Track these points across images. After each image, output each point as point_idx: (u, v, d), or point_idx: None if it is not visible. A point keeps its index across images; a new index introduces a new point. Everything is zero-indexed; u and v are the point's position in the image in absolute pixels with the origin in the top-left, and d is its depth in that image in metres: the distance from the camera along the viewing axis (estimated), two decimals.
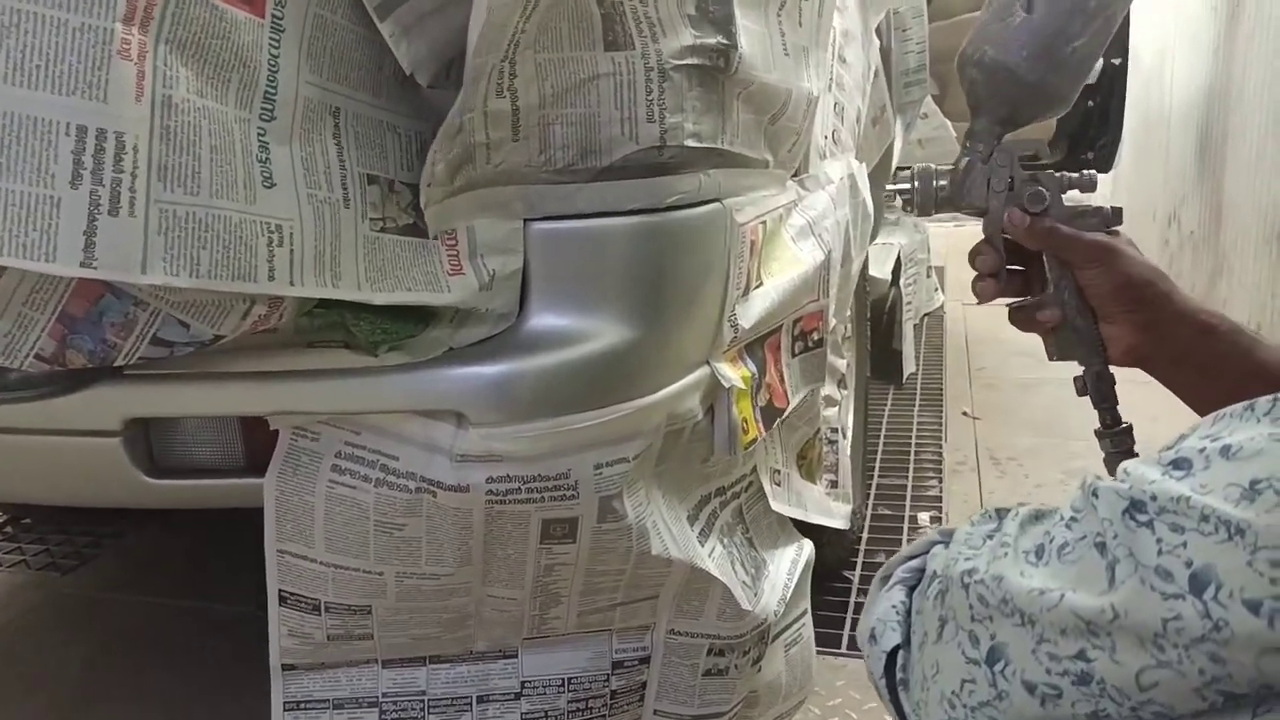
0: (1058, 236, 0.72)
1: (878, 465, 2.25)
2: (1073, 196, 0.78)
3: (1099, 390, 0.75)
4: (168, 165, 0.56)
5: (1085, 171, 0.75)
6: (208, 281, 0.58)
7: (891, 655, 0.52)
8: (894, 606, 0.54)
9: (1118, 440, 0.75)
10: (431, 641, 0.91)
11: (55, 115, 0.52)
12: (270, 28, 0.61)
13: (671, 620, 0.98)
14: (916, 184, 0.83)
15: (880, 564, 1.70)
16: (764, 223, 0.96)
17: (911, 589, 0.55)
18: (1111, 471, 0.60)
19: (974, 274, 0.80)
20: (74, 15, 0.51)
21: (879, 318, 3.02)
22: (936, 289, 3.66)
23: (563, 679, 0.96)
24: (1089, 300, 0.73)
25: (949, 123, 2.63)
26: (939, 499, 2.05)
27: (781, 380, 1.00)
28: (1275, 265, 2.97)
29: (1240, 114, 3.28)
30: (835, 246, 1.16)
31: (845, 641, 1.50)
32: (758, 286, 0.95)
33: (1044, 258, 0.75)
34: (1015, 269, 0.78)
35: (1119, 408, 0.75)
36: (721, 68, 0.80)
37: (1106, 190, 5.66)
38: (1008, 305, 0.78)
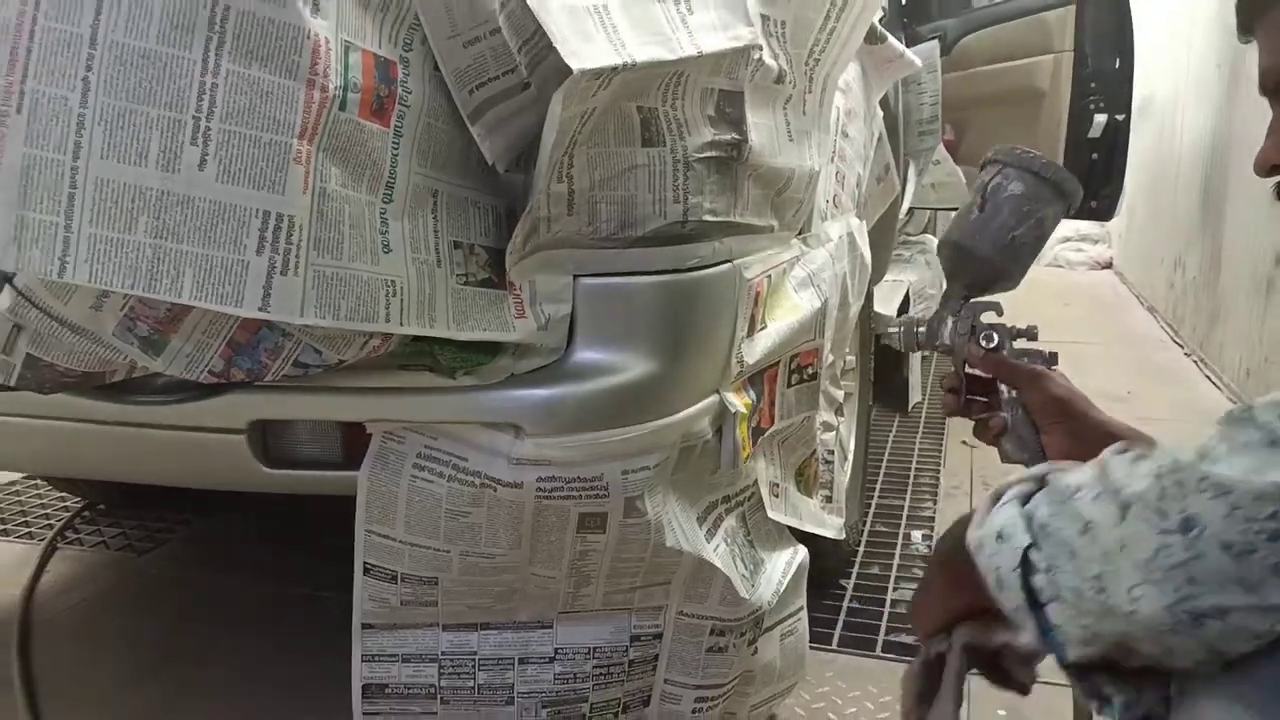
0: (1004, 364, 0.94)
1: (878, 486, 2.43)
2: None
3: None
4: (321, 238, 0.76)
5: (1031, 325, 0.96)
6: (344, 322, 0.79)
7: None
8: (1014, 519, 0.62)
9: None
10: (484, 610, 1.11)
11: (250, 204, 0.72)
12: (393, 134, 0.82)
13: (681, 603, 1.17)
14: (902, 330, 1.03)
15: (873, 575, 1.89)
16: (769, 276, 1.16)
17: (1025, 503, 0.64)
18: None
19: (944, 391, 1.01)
20: (266, 134, 0.72)
21: (886, 347, 3.20)
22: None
23: (590, 648, 1.15)
24: (1029, 414, 0.93)
25: (959, 169, 2.81)
26: (932, 519, 2.23)
27: (772, 405, 1.20)
28: (1264, 312, 3.13)
29: (1239, 167, 3.45)
30: (833, 295, 1.35)
31: (836, 639, 1.69)
32: (762, 329, 1.15)
33: (997, 383, 0.96)
34: (976, 397, 0.98)
35: None
36: (735, 157, 1.00)
37: (1120, 230, 5.80)
38: (973, 421, 0.99)
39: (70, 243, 0.69)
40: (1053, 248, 6.27)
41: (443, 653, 1.14)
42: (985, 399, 0.98)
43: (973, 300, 0.98)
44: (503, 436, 0.97)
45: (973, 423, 0.99)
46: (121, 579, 2.01)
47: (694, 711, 1.22)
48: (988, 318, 0.98)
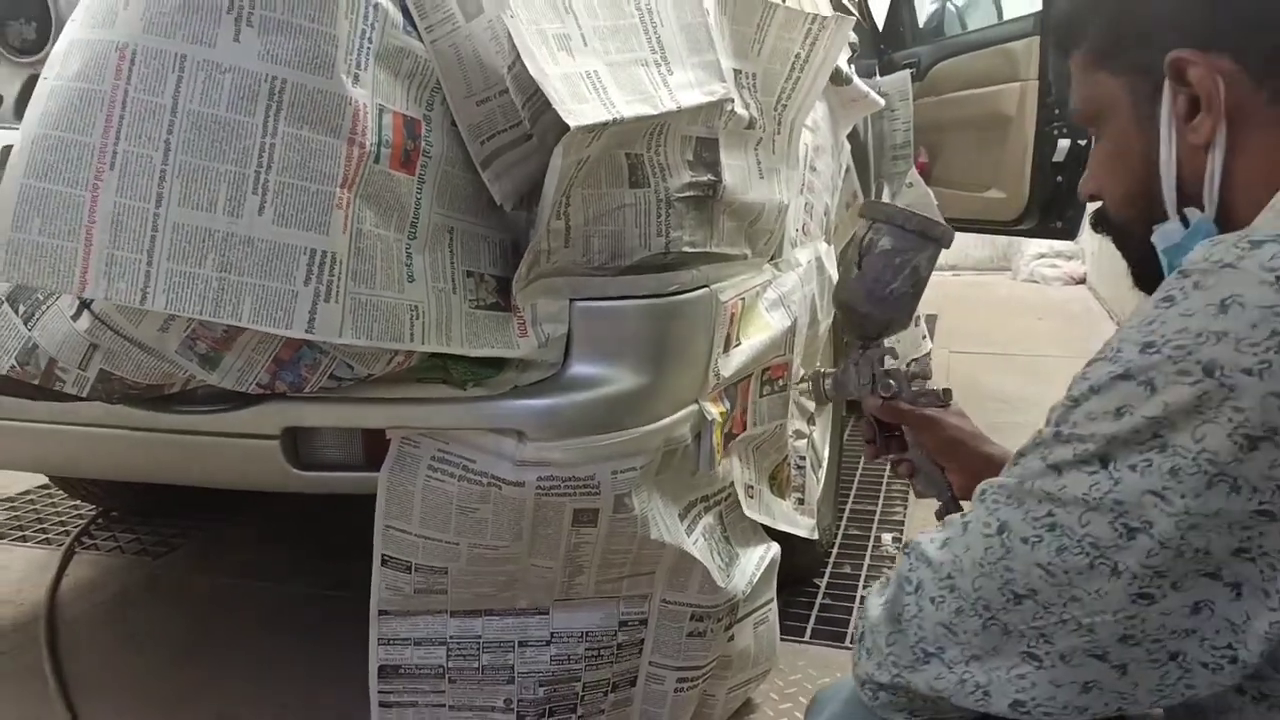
0: (899, 413, 1.01)
1: (852, 492, 2.57)
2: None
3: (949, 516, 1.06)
4: (357, 271, 0.90)
5: (925, 366, 1.05)
6: (376, 342, 0.92)
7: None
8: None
9: None
10: (488, 598, 1.24)
11: (300, 243, 0.86)
12: (418, 181, 0.95)
13: (664, 592, 1.30)
14: (812, 383, 1.12)
15: (845, 574, 2.03)
16: (743, 298, 1.30)
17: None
18: None
19: (863, 429, 1.11)
20: (314, 184, 0.86)
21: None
22: (924, 336, 3.97)
23: (582, 632, 1.29)
24: (930, 455, 1.01)
25: (930, 191, 2.97)
26: (902, 523, 2.37)
27: (744, 413, 1.34)
28: None
29: None
30: (802, 314, 1.49)
31: (809, 632, 1.82)
32: (736, 345, 1.29)
33: (903, 427, 1.05)
34: (891, 436, 1.07)
35: None
36: (711, 195, 1.15)
37: (1092, 247, 5.98)
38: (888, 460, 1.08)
39: (151, 276, 0.82)
40: (1029, 263, 6.45)
41: (450, 637, 1.26)
42: (899, 441, 1.06)
43: (869, 349, 1.04)
44: (507, 441, 1.10)
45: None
46: (138, 581, 2.14)
47: (676, 691, 1.35)
48: (889, 363, 1.04)
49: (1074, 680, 0.60)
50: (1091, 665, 0.59)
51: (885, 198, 2.76)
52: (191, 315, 0.84)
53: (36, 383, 0.98)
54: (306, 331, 0.87)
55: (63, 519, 2.50)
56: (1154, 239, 0.72)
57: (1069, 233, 3.23)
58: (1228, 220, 0.68)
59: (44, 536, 2.39)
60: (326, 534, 2.40)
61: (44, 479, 2.67)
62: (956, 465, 0.98)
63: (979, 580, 0.63)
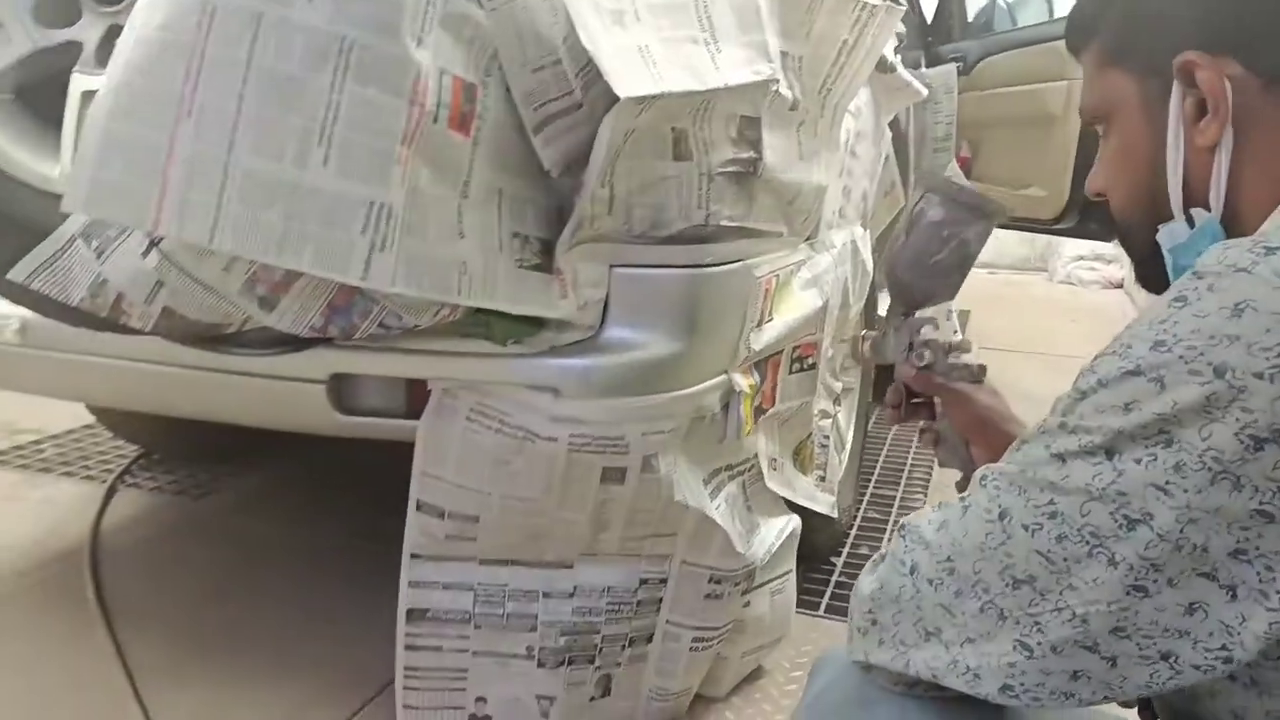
0: (932, 385, 1.00)
1: (874, 477, 2.60)
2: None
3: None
4: (411, 224, 0.95)
5: (965, 340, 1.03)
6: (425, 293, 0.97)
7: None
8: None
9: None
10: (515, 548, 1.29)
11: (360, 195, 0.91)
12: (472, 143, 1.00)
13: (685, 553, 1.35)
14: (851, 343, 1.10)
15: (862, 554, 2.07)
16: (777, 275, 1.33)
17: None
18: None
19: (888, 397, 1.09)
20: (376, 140, 0.91)
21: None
22: (955, 331, 3.99)
23: (604, 587, 1.33)
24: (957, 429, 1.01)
25: (972, 185, 2.97)
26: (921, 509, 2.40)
27: (774, 389, 1.38)
28: None
29: None
30: (834, 295, 1.53)
31: (824, 607, 1.86)
32: (768, 321, 1.33)
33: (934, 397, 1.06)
34: (917, 402, 1.07)
35: None
36: (751, 172, 1.18)
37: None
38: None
39: (219, 219, 0.87)
40: (1066, 265, 6.40)
41: (478, 583, 1.32)
42: (927, 409, 1.06)
43: (912, 316, 1.03)
44: (543, 397, 1.15)
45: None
46: (178, 520, 2.22)
47: (691, 649, 1.40)
48: (927, 332, 1.02)
49: (1064, 669, 0.62)
50: (1081, 656, 0.61)
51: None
52: (256, 258, 0.89)
53: (104, 315, 1.04)
54: (361, 279, 0.92)
55: (105, 457, 2.60)
56: (1159, 238, 0.74)
57: (1107, 234, 3.22)
58: (1233, 220, 0.69)
59: (88, 473, 2.48)
60: (358, 486, 2.47)
61: (89, 418, 2.77)
62: (983, 442, 0.99)
63: (979, 564, 0.65)
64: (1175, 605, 0.58)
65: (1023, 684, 0.63)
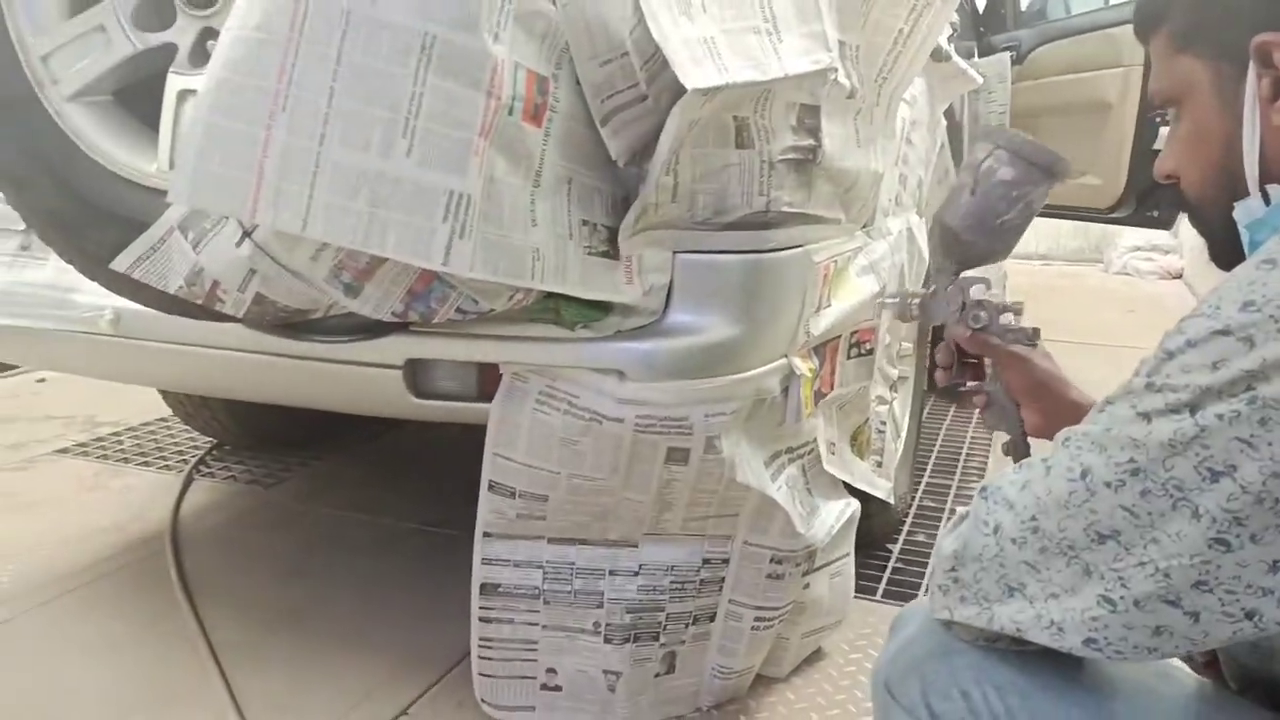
0: (987, 346, 0.99)
1: (929, 466, 2.61)
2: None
3: (1018, 453, 1.00)
4: (488, 213, 0.99)
5: (1018, 301, 1.02)
6: (501, 278, 1.01)
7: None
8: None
9: None
10: (582, 527, 1.34)
11: (441, 184, 0.95)
12: (544, 134, 1.04)
13: (746, 534, 1.38)
14: (897, 300, 1.10)
15: (919, 542, 2.08)
16: (835, 261, 1.36)
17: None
18: None
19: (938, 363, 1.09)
20: (455, 132, 0.95)
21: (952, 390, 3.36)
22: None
23: (668, 565, 1.37)
24: (1009, 391, 1.00)
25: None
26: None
27: (833, 373, 1.40)
28: None
29: None
30: (890, 281, 1.55)
31: (881, 592, 1.88)
32: (826, 306, 1.35)
33: (984, 359, 1.03)
34: (971, 362, 1.06)
35: None
36: (811, 160, 1.21)
37: (1192, 241, 5.81)
38: (959, 389, 1.07)
39: (311, 208, 0.93)
40: (1122, 255, 6.30)
41: (546, 561, 1.37)
42: (977, 369, 1.05)
43: (963, 275, 1.01)
44: (609, 380, 1.19)
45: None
46: (251, 508, 2.30)
47: (753, 629, 1.43)
48: (978, 292, 1.01)
49: (1146, 624, 0.64)
50: (1164, 611, 0.63)
51: None
52: (343, 244, 0.95)
53: (200, 302, 1.10)
54: (442, 264, 0.97)
55: (180, 448, 2.70)
56: (1235, 214, 0.75)
57: (1166, 222, 3.18)
58: None
59: (164, 463, 2.58)
60: (418, 475, 2.54)
61: (163, 411, 2.87)
62: (1038, 407, 0.98)
63: (1064, 521, 0.67)
64: (1259, 562, 0.60)
65: (1106, 638, 0.65)
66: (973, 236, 0.98)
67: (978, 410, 1.04)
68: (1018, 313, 1.00)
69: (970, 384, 1.05)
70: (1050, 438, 0.96)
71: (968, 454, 2.73)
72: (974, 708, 0.76)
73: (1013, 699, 0.74)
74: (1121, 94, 3.09)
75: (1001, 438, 1.04)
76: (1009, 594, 0.71)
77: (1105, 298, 5.51)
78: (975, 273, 1.01)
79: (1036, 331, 0.99)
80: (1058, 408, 0.97)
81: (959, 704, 0.76)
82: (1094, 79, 3.18)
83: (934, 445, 2.77)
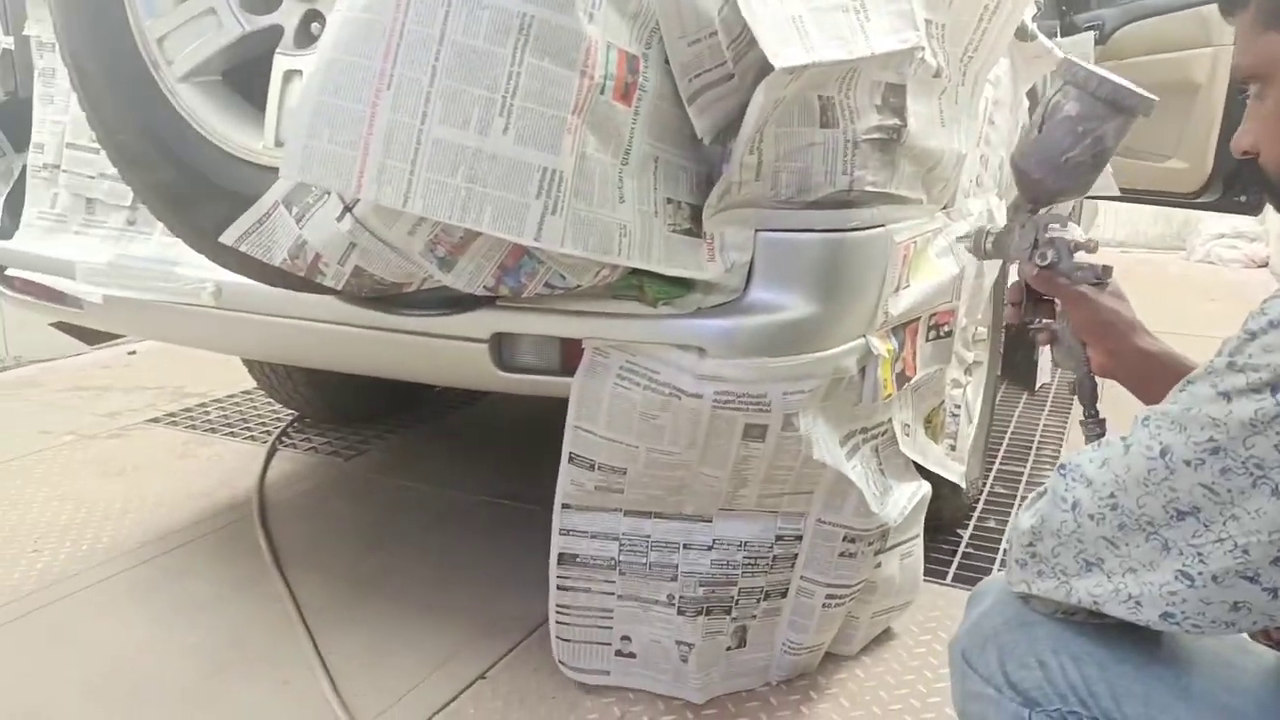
0: (1053, 285, 0.98)
1: (1001, 453, 2.58)
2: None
3: (1083, 391, 0.99)
4: (578, 189, 1.02)
5: (1091, 239, 1.00)
6: (590, 254, 1.04)
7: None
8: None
9: (1092, 427, 0.97)
10: (658, 501, 1.37)
11: (535, 161, 0.98)
12: (633, 113, 1.07)
13: (820, 512, 1.40)
14: (973, 237, 1.08)
15: (989, 528, 2.07)
16: (915, 242, 1.36)
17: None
18: None
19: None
20: (550, 110, 0.98)
21: (1021, 331, 3.30)
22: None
23: (741, 541, 1.40)
24: (1076, 331, 0.99)
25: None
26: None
27: (914, 356, 1.40)
28: None
29: None
30: (969, 263, 1.54)
31: (951, 576, 1.88)
32: (905, 287, 1.35)
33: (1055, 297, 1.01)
34: (1042, 299, 1.04)
35: (1098, 405, 0.99)
36: (895, 139, 1.21)
37: (1277, 231, 5.60)
38: (1028, 326, 1.07)
39: (412, 183, 0.96)
40: (1205, 243, 6.10)
41: (622, 533, 1.40)
42: (1047, 307, 1.03)
43: (1040, 213, 0.99)
44: (689, 356, 1.21)
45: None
46: (332, 478, 2.38)
47: (824, 606, 1.45)
48: (1054, 230, 0.99)
49: (1224, 599, 0.65)
50: (1242, 586, 0.64)
51: None
52: (442, 219, 0.98)
53: (302, 274, 1.15)
54: (535, 240, 1.00)
55: (263, 419, 2.80)
56: None
57: (1253, 208, 3.08)
58: None
59: (249, 434, 2.68)
60: (491, 449, 2.60)
61: (247, 384, 2.98)
62: (1103, 347, 0.97)
63: (1143, 498, 0.68)
64: None
65: (1183, 612, 0.66)
66: (1040, 174, 0.96)
67: (1050, 349, 1.03)
68: (1090, 250, 0.98)
69: (1040, 321, 1.04)
70: (1118, 379, 0.98)
71: (1040, 441, 2.70)
72: (1051, 676, 0.77)
73: (1090, 669, 0.75)
74: (1210, 75, 2.99)
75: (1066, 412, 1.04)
76: (1087, 568, 0.72)
77: (1186, 286, 5.35)
78: (1056, 209, 0.99)
79: (1107, 270, 0.98)
80: (1122, 350, 0.96)
81: (1036, 673, 0.77)
82: (1182, 59, 3.09)
83: (1006, 432, 2.74)
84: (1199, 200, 3.22)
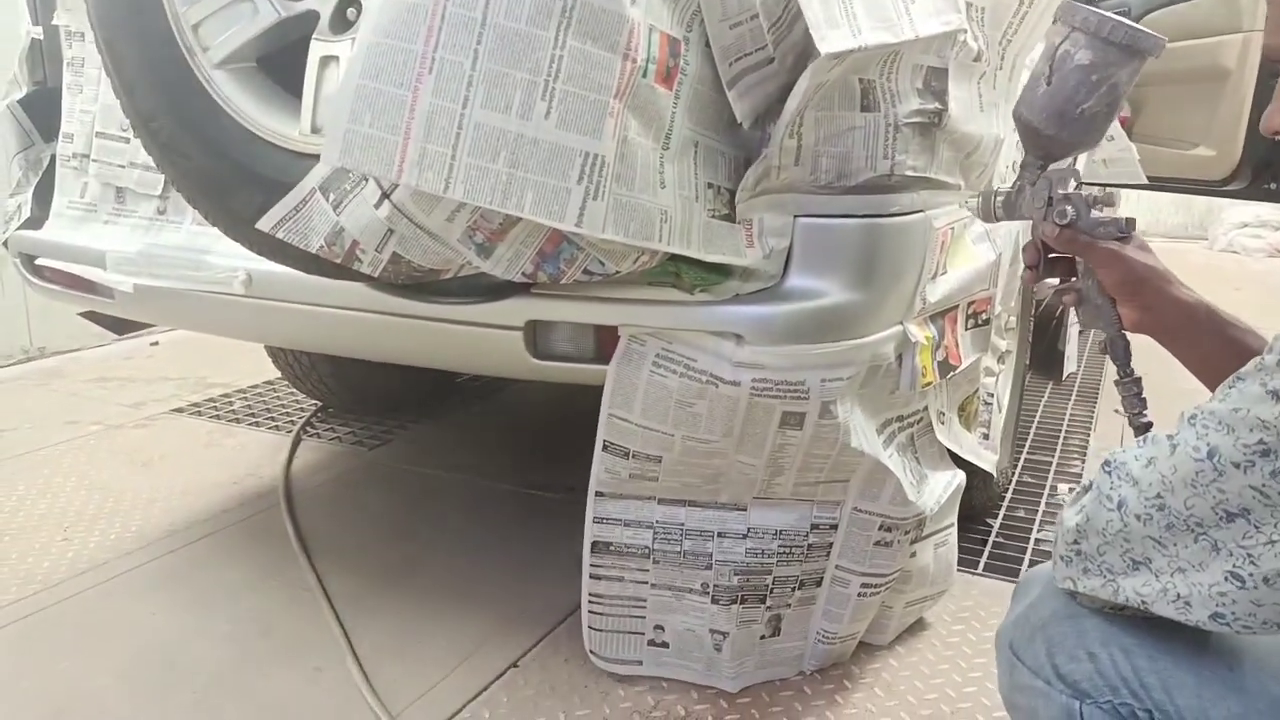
0: (1076, 243, 0.93)
1: (1028, 443, 2.56)
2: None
3: (1115, 351, 0.94)
4: (620, 174, 1.01)
5: (1109, 192, 0.97)
6: (631, 239, 1.03)
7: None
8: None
9: (1129, 386, 0.92)
10: (693, 489, 1.36)
11: (576, 145, 0.97)
12: (674, 97, 1.05)
13: (856, 500, 1.39)
14: (980, 199, 1.04)
15: (1019, 517, 2.05)
16: (953, 228, 1.34)
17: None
18: (1130, 410, 0.90)
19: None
20: (592, 93, 0.97)
21: (1048, 319, 3.27)
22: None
23: (776, 530, 1.39)
24: (1104, 288, 0.93)
25: (1133, 145, 2.85)
26: (1079, 476, 2.36)
27: (957, 345, 1.39)
28: None
29: None
30: (1005, 250, 1.52)
31: (982, 565, 1.87)
32: (943, 274, 1.34)
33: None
34: (1060, 258, 0.98)
35: (1132, 363, 0.94)
36: (935, 123, 1.20)
37: None
38: (1051, 288, 1.01)
39: (453, 168, 0.95)
40: (1228, 232, 6.05)
41: (657, 521, 1.39)
42: (1066, 265, 0.98)
43: (1050, 169, 0.95)
44: (727, 343, 1.20)
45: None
46: (357, 468, 2.38)
47: (859, 595, 1.44)
48: (1070, 185, 0.94)
49: (1275, 601, 0.64)
50: None
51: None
52: (483, 205, 0.97)
53: (339, 262, 1.14)
54: (576, 225, 0.99)
55: (287, 409, 2.81)
56: None
57: None
58: None
59: (273, 423, 2.69)
60: (516, 439, 2.60)
61: (271, 374, 2.99)
62: (1138, 303, 0.91)
63: (1191, 499, 0.67)
64: None
65: (1233, 613, 0.65)
66: (1054, 129, 0.90)
67: (1075, 310, 0.98)
68: (1110, 205, 0.93)
69: (1061, 283, 0.98)
70: (1152, 334, 0.93)
71: (1067, 431, 2.67)
72: (1101, 669, 0.76)
73: (1140, 661, 0.74)
74: (1240, 61, 2.95)
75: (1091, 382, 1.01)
76: (1134, 568, 0.71)
77: (1210, 275, 5.30)
78: (1068, 164, 0.95)
79: (1131, 222, 0.92)
80: (1158, 303, 0.90)
81: (1086, 665, 0.76)
82: (1211, 45, 3.05)
83: (1032, 422, 2.72)
84: (1227, 188, 3.19)
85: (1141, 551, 0.70)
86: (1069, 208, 0.92)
